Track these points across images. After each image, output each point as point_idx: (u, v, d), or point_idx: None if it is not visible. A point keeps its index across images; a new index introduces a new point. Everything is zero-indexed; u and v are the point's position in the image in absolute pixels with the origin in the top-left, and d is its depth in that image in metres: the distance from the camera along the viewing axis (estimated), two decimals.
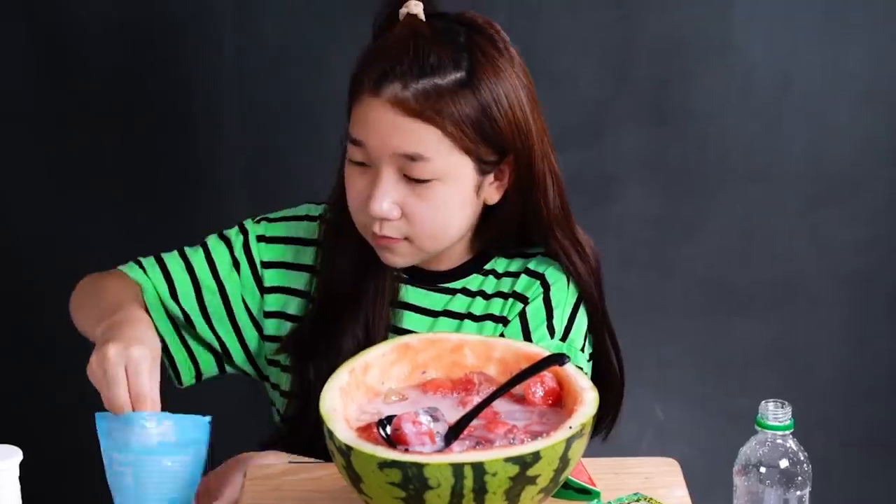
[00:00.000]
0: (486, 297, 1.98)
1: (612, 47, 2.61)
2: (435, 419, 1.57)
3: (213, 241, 2.05)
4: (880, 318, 2.79)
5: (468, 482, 1.47)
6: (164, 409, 1.68)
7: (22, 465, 1.50)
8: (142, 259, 2.06)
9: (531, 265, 1.98)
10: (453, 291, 1.98)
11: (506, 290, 1.98)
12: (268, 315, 2.04)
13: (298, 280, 2.03)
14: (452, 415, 1.62)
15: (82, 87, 2.59)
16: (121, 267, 2.05)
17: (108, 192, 2.64)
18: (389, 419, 1.56)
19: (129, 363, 1.65)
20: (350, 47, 2.52)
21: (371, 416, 1.62)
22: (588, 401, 1.59)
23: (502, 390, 1.62)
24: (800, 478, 1.55)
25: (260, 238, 2.05)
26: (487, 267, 2.00)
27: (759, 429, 1.56)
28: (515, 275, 1.98)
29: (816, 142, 2.67)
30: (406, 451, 1.53)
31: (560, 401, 1.65)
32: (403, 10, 1.87)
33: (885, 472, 2.87)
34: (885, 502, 2.90)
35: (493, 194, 1.91)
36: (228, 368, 2.09)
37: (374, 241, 1.89)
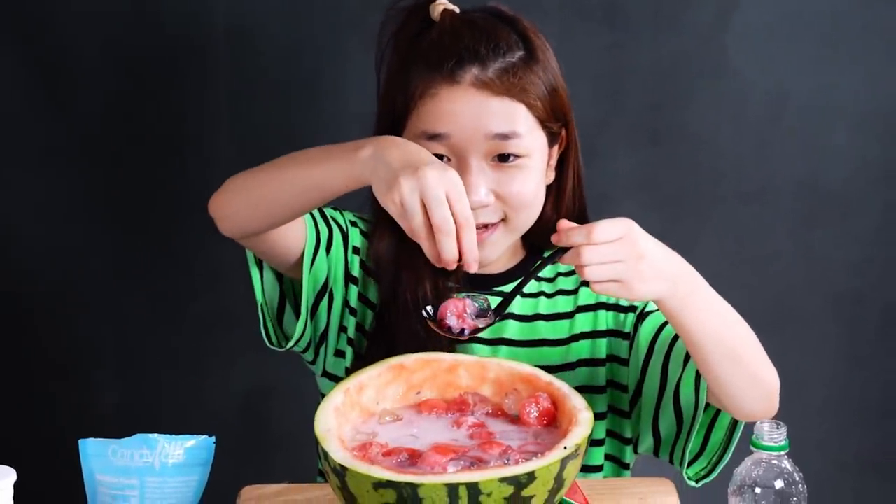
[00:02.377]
0: (549, 296, 1.98)
1: (607, 69, 2.62)
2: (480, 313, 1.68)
3: (320, 219, 1.98)
4: (873, 339, 2.78)
5: (463, 503, 1.46)
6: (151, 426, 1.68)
7: (16, 486, 1.50)
8: None
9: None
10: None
11: (570, 287, 1.99)
12: (350, 310, 1.99)
13: (371, 289, 2.00)
14: (446, 436, 1.62)
15: (76, 111, 2.58)
16: None
17: (101, 217, 2.63)
18: (435, 308, 1.67)
19: (451, 187, 1.60)
20: (345, 71, 2.55)
21: (366, 436, 1.62)
22: (583, 421, 1.59)
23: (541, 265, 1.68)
24: (795, 498, 1.55)
25: (353, 223, 2.02)
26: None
27: (754, 449, 1.56)
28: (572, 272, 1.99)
29: (810, 163, 2.67)
30: (449, 330, 1.66)
31: (555, 421, 1.65)
32: (438, 8, 1.90)
33: (879, 492, 2.87)
34: None
35: (549, 172, 1.94)
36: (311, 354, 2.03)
37: None
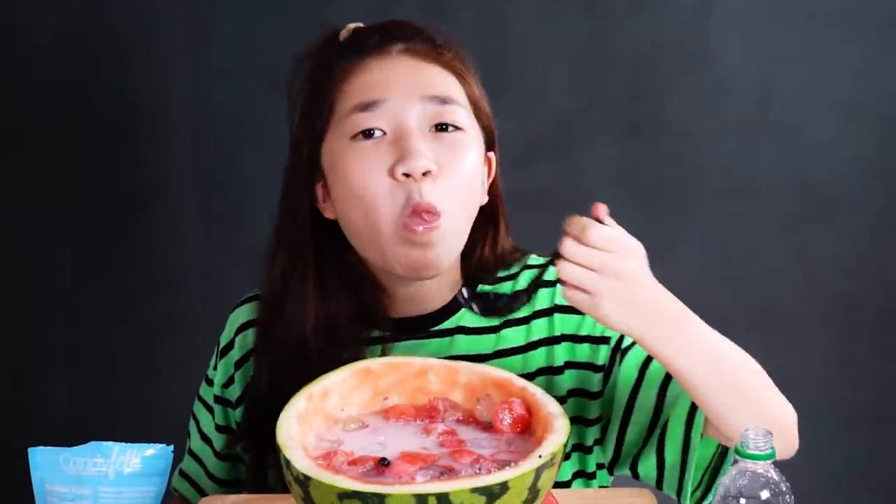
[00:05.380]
0: (496, 330, 1.91)
1: (584, 58, 2.62)
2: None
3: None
4: (864, 343, 2.79)
5: None
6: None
7: None
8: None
9: (522, 280, 1.92)
10: (448, 333, 1.92)
11: (523, 314, 1.91)
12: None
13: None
14: (415, 444, 1.62)
15: (29, 103, 2.58)
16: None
17: (58, 212, 2.63)
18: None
19: None
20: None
21: (330, 443, 1.62)
22: (559, 428, 1.58)
23: None
24: None
25: (217, 399, 2.04)
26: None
27: (739, 458, 1.56)
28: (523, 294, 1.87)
29: (798, 157, 2.68)
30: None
31: (529, 428, 1.65)
32: (349, 28, 1.88)
33: (870, 503, 2.88)
34: None
35: (483, 194, 1.88)
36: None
37: (409, 229, 1.75)
